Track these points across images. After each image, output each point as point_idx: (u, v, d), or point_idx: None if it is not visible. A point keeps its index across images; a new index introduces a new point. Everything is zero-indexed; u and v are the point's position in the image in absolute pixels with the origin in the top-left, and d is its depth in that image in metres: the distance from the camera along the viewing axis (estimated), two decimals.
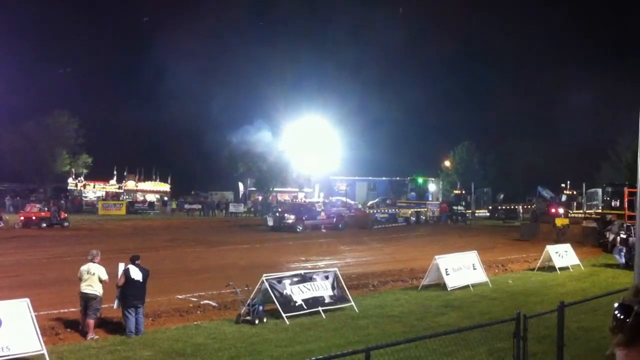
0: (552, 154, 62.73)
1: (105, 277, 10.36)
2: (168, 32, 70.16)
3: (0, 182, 53.16)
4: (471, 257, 15.76)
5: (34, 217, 31.94)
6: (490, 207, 51.64)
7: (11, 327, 8.40)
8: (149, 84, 78.38)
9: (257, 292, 11.37)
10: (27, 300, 8.76)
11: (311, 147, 49.24)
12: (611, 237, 23.20)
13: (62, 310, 11.54)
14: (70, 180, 54.87)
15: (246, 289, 11.63)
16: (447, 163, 65.41)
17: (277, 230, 32.35)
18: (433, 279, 14.89)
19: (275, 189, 51.97)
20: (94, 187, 56.93)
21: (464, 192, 52.03)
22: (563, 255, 18.91)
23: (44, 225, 31.54)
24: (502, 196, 53.29)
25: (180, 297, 13.30)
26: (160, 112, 65.52)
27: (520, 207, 48.67)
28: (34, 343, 8.45)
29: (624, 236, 20.74)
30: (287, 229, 32.26)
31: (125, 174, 58.52)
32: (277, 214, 34.50)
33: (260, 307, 11.08)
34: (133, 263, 10.43)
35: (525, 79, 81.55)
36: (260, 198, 52.78)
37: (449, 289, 14.29)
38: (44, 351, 8.47)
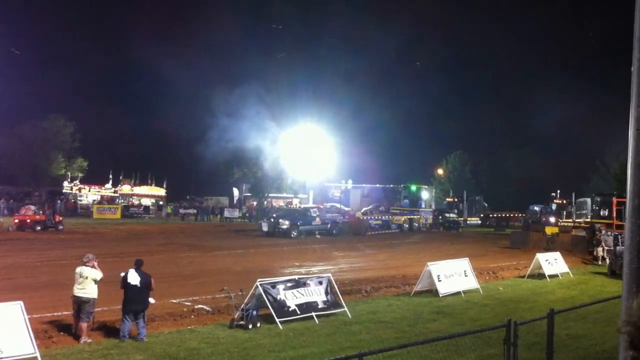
0: (542, 164, 63.32)
1: (99, 277, 10.29)
2: (165, 37, 70.34)
3: None
4: (463, 264, 15.92)
5: (28, 220, 31.85)
6: (481, 215, 52.00)
7: (4, 330, 8.41)
8: (145, 89, 78.46)
9: (251, 297, 11.43)
10: (21, 303, 8.78)
11: (306, 153, 49.34)
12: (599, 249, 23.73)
13: (55, 314, 11.54)
14: (65, 183, 54.67)
15: (240, 293, 11.67)
16: (440, 171, 65.81)
17: (272, 236, 32.34)
18: (425, 285, 15.02)
19: (270, 195, 52.01)
20: (89, 191, 56.72)
21: (456, 200, 52.39)
22: (553, 263, 19.13)
23: (39, 228, 31.42)
24: (485, 204, 53.93)
25: (174, 301, 13.32)
26: (156, 116, 65.55)
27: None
28: (27, 346, 8.46)
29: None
30: (282, 235, 32.25)
31: (120, 178, 58.39)
32: (272, 220, 34.52)
33: (254, 312, 11.12)
34: (137, 268, 10.30)
35: (516, 90, 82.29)
36: (255, 203, 52.79)
37: (440, 296, 14.42)
38: (37, 354, 8.49)
